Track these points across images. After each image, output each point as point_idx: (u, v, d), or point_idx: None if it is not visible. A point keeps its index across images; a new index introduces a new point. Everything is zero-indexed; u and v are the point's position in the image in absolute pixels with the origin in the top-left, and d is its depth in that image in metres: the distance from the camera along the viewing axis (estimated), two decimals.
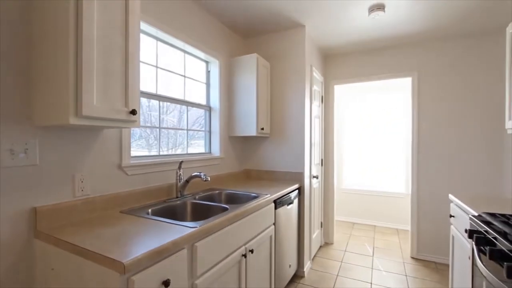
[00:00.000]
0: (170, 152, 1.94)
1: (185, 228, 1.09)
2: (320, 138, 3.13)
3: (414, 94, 2.88)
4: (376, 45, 2.95)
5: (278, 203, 1.95)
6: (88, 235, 1.02)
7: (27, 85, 1.09)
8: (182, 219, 1.61)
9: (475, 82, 2.63)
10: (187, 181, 1.71)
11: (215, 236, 1.20)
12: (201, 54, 2.18)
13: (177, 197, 1.70)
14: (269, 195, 1.81)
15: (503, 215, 1.26)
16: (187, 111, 2.12)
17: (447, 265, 2.72)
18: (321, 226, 3.21)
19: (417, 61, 2.87)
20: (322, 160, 3.22)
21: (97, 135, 1.35)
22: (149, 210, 1.41)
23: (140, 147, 1.72)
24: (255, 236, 1.59)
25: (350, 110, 4.35)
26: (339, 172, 4.42)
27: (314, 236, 2.83)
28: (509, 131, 1.73)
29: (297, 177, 2.49)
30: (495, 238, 1.11)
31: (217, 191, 1.98)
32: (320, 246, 3.19)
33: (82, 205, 1.25)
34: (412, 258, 2.91)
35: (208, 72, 2.37)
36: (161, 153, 1.85)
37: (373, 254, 2.99)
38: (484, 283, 1.23)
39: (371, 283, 2.36)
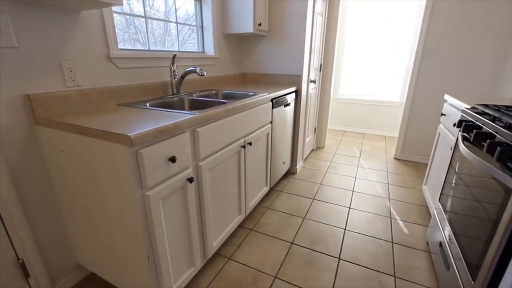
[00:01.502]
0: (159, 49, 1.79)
1: (186, 115, 1.10)
2: (321, 39, 2.91)
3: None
4: None
5: (275, 103, 1.95)
6: (89, 120, 1.02)
7: None
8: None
9: None
10: (182, 77, 1.64)
11: (215, 125, 1.23)
12: None
13: (173, 94, 1.67)
14: (266, 93, 1.79)
15: (496, 105, 1.29)
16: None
17: (426, 164, 3.00)
18: (315, 132, 3.36)
19: None
20: (321, 65, 3.09)
21: (76, 17, 1.19)
22: (147, 104, 1.39)
23: (123, 41, 1.57)
24: (253, 131, 1.65)
25: (355, 13, 3.90)
26: (336, 79, 4.33)
27: (307, 140, 2.98)
28: None
29: (295, 80, 2.43)
30: (483, 123, 1.16)
31: (214, 91, 1.94)
32: (312, 150, 3.42)
33: (76, 96, 1.22)
34: (395, 159, 3.18)
35: None
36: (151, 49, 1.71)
37: (360, 156, 3.25)
38: (454, 177, 1.37)
39: (355, 177, 2.65)
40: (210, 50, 2.18)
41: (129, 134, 0.82)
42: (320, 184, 2.50)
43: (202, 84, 2.07)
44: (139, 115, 1.12)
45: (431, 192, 1.94)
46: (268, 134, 1.90)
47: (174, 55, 1.60)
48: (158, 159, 0.95)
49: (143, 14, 1.62)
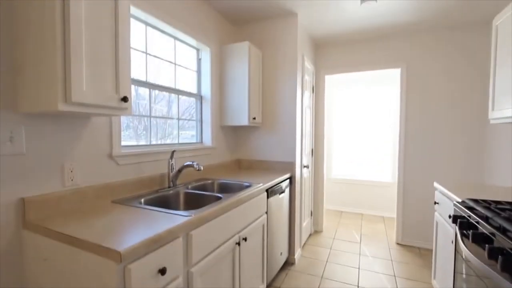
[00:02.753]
0: (160, 143, 1.91)
1: (180, 217, 1.09)
2: (310, 128, 3.16)
3: (402, 85, 2.94)
4: (367, 35, 2.96)
5: (270, 192, 1.97)
6: (79, 224, 1.00)
7: (11, 70, 1.03)
8: (176, 208, 1.61)
9: (460, 74, 2.70)
10: (179, 171, 1.69)
11: (209, 224, 1.21)
12: (192, 41, 2.12)
13: (169, 187, 1.68)
14: (261, 184, 1.82)
15: (485, 201, 1.32)
16: (178, 99, 2.08)
17: (430, 250, 2.85)
18: (311, 215, 3.28)
19: (406, 52, 2.91)
20: (312, 150, 3.26)
21: (86, 123, 1.31)
22: (142, 200, 1.39)
23: (128, 138, 1.68)
24: (249, 225, 1.61)
25: (340, 101, 4.39)
26: (328, 162, 4.49)
27: (304, 224, 2.89)
28: (491, 121, 1.81)
29: (289, 167, 2.52)
30: (477, 222, 1.17)
31: (209, 181, 1.97)
32: (310, 234, 3.27)
33: (72, 195, 1.22)
34: (397, 244, 3.03)
35: (199, 60, 2.32)
36: (152, 143, 1.82)
37: (360, 241, 3.09)
38: (463, 266, 1.30)
39: (358, 268, 2.46)
40: (207, 141, 2.32)
41: (119, 250, 0.79)
42: (322, 277, 2.29)
43: (199, 173, 2.12)
44: (133, 216, 1.10)
45: (441, 286, 1.78)
46: (263, 225, 1.84)
47: (174, 151, 1.69)
48: (147, 272, 0.88)
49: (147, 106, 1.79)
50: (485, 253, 1.00)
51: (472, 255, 1.12)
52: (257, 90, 2.51)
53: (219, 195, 1.49)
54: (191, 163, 1.62)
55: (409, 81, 2.91)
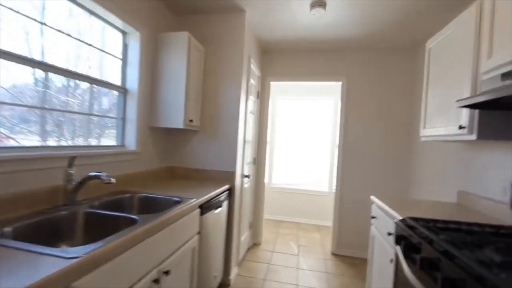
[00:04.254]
0: (61, 144, 1.43)
1: (59, 261, 0.72)
2: (253, 135, 2.98)
3: (343, 98, 3.02)
4: (313, 46, 2.96)
5: (206, 207, 1.68)
6: None
7: None
8: (68, 239, 1.17)
9: (396, 92, 2.91)
10: (81, 183, 1.27)
11: (112, 264, 0.86)
12: (117, 21, 1.71)
13: (65, 205, 1.24)
14: (194, 200, 1.52)
15: (424, 219, 1.30)
16: (91, 90, 1.63)
17: (362, 259, 2.94)
18: (250, 227, 3.09)
19: (348, 66, 3.01)
20: (254, 158, 3.09)
21: None
22: (6, 230, 0.94)
23: (27, 133, 1.20)
24: (174, 252, 1.29)
25: (282, 110, 4.38)
26: (269, 170, 4.41)
27: (243, 238, 2.66)
28: (422, 139, 1.90)
29: (228, 177, 2.27)
30: (420, 243, 1.11)
31: (128, 195, 1.57)
32: (249, 248, 3.06)
33: None
34: (333, 254, 3.06)
35: (125, 45, 1.90)
36: (61, 143, 1.34)
37: (298, 253, 3.02)
38: (406, 286, 1.25)
39: (297, 285, 2.34)
40: (131, 144, 1.90)
41: None
42: None
43: (118, 183, 1.69)
44: None
45: None
46: (194, 248, 1.54)
47: (74, 157, 1.26)
48: None
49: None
50: (438, 283, 0.93)
51: (415, 278, 1.05)
52: (197, 89, 2.20)
53: (135, 216, 1.14)
54: (98, 173, 1.22)
55: (349, 95, 3.01)
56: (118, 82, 1.85)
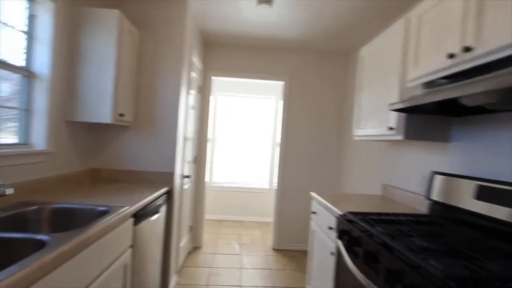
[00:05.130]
0: None
1: None
2: (194, 132, 2.80)
3: (285, 98, 3.10)
4: (258, 43, 2.94)
5: (140, 216, 1.47)
6: None
7: None
8: None
9: (332, 94, 3.12)
10: None
11: None
12: None
13: None
14: (126, 208, 1.30)
15: (362, 214, 1.40)
16: None
17: (302, 251, 3.09)
18: (190, 230, 2.91)
19: (290, 67, 3.09)
20: (195, 157, 2.91)
21: None
22: None
23: None
24: (100, 275, 1.06)
25: (224, 107, 4.28)
26: (210, 169, 4.26)
27: (182, 243, 2.48)
28: (355, 138, 2.07)
29: (167, 178, 2.06)
30: (360, 237, 1.18)
31: (34, 207, 1.24)
32: (189, 252, 2.88)
33: None
34: (274, 249, 3.13)
35: (32, 16, 1.50)
36: None
37: (241, 253, 2.99)
38: (348, 277, 1.32)
39: (240, 286, 2.30)
40: (39, 142, 1.52)
41: None
42: None
43: (21, 193, 1.31)
44: None
45: None
46: (126, 265, 1.32)
47: None
48: None
49: None
50: (381, 276, 0.98)
51: (359, 272, 1.11)
52: (130, 79, 1.92)
53: (43, 237, 0.88)
54: None
55: (290, 95, 3.10)
56: (20, 63, 1.45)
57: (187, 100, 2.31)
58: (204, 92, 3.02)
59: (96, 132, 2.03)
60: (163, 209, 1.91)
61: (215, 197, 4.24)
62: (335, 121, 3.14)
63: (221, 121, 4.27)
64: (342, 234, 1.34)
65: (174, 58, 2.06)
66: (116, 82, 1.70)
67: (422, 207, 1.66)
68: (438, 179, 1.45)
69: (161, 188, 1.86)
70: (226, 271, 2.54)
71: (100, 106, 1.68)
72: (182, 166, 2.28)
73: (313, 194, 2.03)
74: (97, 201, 1.39)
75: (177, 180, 2.12)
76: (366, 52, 1.98)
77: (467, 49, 1.03)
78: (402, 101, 1.28)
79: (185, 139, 2.34)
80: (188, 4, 2.08)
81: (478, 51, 1.00)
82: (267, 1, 1.95)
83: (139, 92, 2.06)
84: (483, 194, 1.16)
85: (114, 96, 1.69)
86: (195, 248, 3.02)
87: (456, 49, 1.10)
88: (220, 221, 4.13)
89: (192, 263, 2.66)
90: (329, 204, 1.69)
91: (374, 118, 1.78)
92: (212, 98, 3.08)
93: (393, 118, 1.54)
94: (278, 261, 2.83)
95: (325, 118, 3.13)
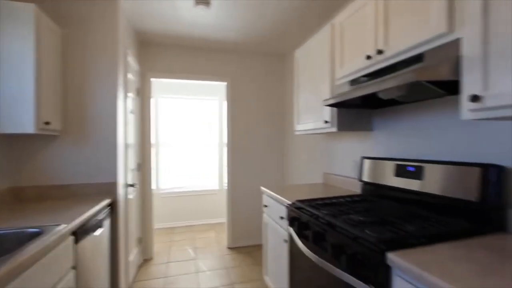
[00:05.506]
0: None
1: None
2: (136, 138, 2.63)
3: (228, 99, 3.14)
4: (198, 44, 2.91)
5: (81, 233, 1.33)
6: None
7: None
8: None
9: (272, 94, 3.28)
10: None
11: None
12: None
13: None
14: (63, 226, 1.17)
15: (308, 200, 1.54)
16: None
17: (256, 246, 3.19)
18: (139, 243, 2.72)
19: (232, 67, 3.14)
20: (139, 164, 2.73)
21: None
22: None
23: None
24: None
25: (166, 109, 4.10)
26: (156, 176, 4.04)
27: (131, 258, 2.31)
28: (296, 133, 2.25)
29: (108, 189, 1.90)
30: (308, 221, 1.31)
31: None
32: (139, 266, 2.69)
33: None
34: (229, 248, 3.16)
35: None
36: None
37: (196, 257, 2.93)
38: (301, 260, 1.44)
39: None
40: None
41: None
42: None
43: None
44: None
45: (275, 282, 1.95)
46: None
47: None
48: None
49: None
50: (328, 253, 1.11)
51: (310, 252, 1.23)
52: (55, 83, 1.70)
53: None
54: None
55: (233, 96, 3.16)
56: None
57: (125, 104, 2.16)
58: (143, 95, 2.85)
59: (17, 144, 1.74)
60: (107, 223, 1.76)
61: (164, 205, 4.05)
62: (278, 118, 3.32)
63: (164, 125, 4.08)
64: (292, 221, 1.46)
65: (107, 59, 1.91)
66: (37, 86, 1.49)
67: (357, 189, 1.91)
68: (366, 163, 1.68)
69: (102, 200, 1.71)
70: (182, 277, 2.47)
71: (20, 114, 1.45)
72: (125, 174, 2.13)
73: (263, 188, 2.13)
74: (25, 223, 1.21)
75: (120, 190, 1.97)
76: (300, 54, 2.16)
77: (379, 52, 1.24)
78: (332, 97, 1.46)
79: (126, 145, 2.18)
80: (119, 1, 1.95)
81: (387, 53, 1.21)
82: (204, 2, 1.96)
83: (68, 97, 1.84)
84: (400, 171, 1.41)
85: (36, 101, 1.48)
86: (146, 260, 2.84)
87: (371, 51, 1.30)
88: (171, 228, 3.96)
89: (144, 276, 2.50)
90: (278, 196, 1.80)
91: (312, 114, 1.96)
92: (153, 101, 2.93)
93: (327, 113, 1.72)
94: (235, 258, 2.87)
95: (268, 116, 3.29)
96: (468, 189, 1.06)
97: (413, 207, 1.32)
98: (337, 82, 1.65)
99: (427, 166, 1.26)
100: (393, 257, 0.81)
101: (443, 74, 0.93)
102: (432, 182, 1.22)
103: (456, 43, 0.94)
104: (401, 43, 1.13)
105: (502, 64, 0.78)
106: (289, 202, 1.61)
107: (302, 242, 1.33)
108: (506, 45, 0.76)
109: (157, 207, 4.01)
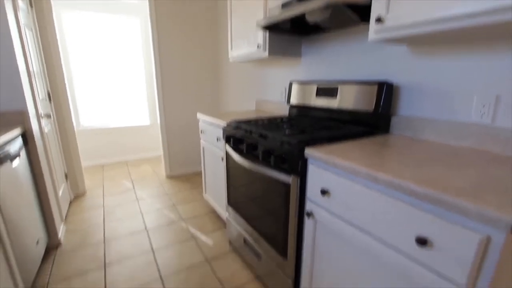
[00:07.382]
0: None
1: None
2: (39, 61, 2.19)
3: (152, 20, 2.77)
4: None
5: None
6: None
7: None
8: None
9: (204, 20, 3.02)
10: None
11: None
12: None
13: None
14: None
15: (243, 121, 1.68)
16: None
17: (194, 173, 3.37)
18: (66, 178, 2.56)
19: None
20: (49, 93, 2.35)
21: None
22: None
23: None
24: None
25: (76, 31, 3.39)
26: (74, 110, 3.56)
27: (60, 192, 2.19)
28: (231, 59, 2.24)
29: (16, 119, 1.64)
30: (243, 136, 1.47)
31: None
32: (70, 202, 2.59)
33: None
34: (167, 177, 3.27)
35: None
36: None
37: (133, 187, 2.96)
38: (236, 171, 1.65)
39: (141, 213, 2.38)
40: None
41: None
42: (104, 242, 1.96)
43: None
44: None
45: (214, 197, 2.20)
46: None
47: None
48: None
49: None
50: (260, 158, 1.30)
51: (245, 160, 1.42)
52: None
53: None
54: None
55: (159, 18, 2.80)
56: None
57: (18, 16, 1.71)
58: (39, 5, 2.26)
59: None
60: (22, 154, 1.58)
61: (89, 142, 3.71)
62: (211, 45, 3.17)
63: (76, 49, 3.42)
64: (228, 138, 1.60)
65: None
66: None
67: (285, 111, 2.14)
68: (294, 86, 1.87)
69: (10, 129, 1.50)
70: (122, 206, 2.52)
71: None
72: (34, 103, 1.83)
73: (200, 114, 2.17)
74: None
75: (33, 119, 1.73)
76: None
77: None
78: (264, 19, 1.48)
79: (30, 67, 1.82)
80: None
81: None
82: None
83: None
84: (321, 92, 1.64)
85: None
86: (78, 196, 2.73)
87: None
88: (101, 166, 3.76)
89: (79, 210, 2.45)
90: (214, 119, 1.89)
91: (245, 39, 1.96)
92: (55, 16, 2.37)
93: (260, 37, 1.76)
94: (174, 186, 3.02)
95: (200, 44, 3.10)
96: (367, 102, 1.34)
97: (329, 121, 1.60)
98: (270, 6, 1.65)
99: (341, 86, 1.50)
100: (309, 151, 1.03)
101: None
102: (344, 100, 1.47)
103: None
104: None
105: None
106: (226, 123, 1.72)
107: (237, 154, 1.51)
108: None
109: (82, 144, 3.67)
